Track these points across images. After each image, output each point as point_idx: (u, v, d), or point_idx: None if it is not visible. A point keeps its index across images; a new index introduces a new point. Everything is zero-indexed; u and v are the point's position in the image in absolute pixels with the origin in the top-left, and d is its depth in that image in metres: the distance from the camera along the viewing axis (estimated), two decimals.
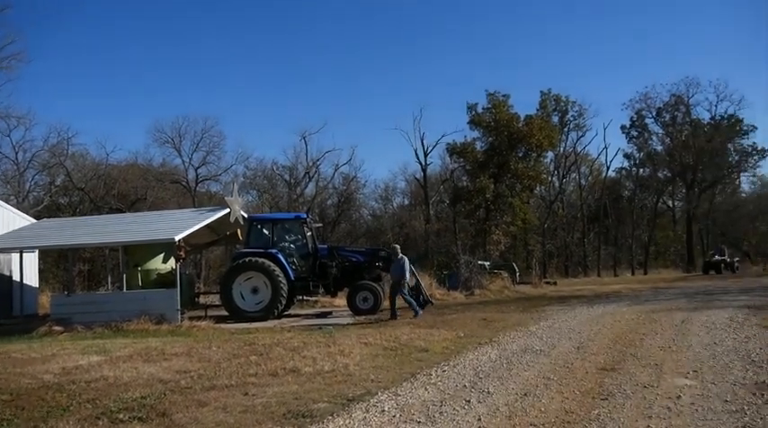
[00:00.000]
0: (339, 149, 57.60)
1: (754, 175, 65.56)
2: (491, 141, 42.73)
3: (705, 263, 44.25)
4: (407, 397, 6.72)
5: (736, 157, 62.04)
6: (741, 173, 64.56)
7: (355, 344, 10.42)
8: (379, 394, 6.88)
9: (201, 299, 20.51)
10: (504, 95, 43.09)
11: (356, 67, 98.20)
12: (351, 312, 16.99)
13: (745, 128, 59.67)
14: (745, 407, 5.78)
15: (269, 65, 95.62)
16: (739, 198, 66.25)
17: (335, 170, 52.61)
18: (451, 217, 47.67)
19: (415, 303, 15.73)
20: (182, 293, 16.43)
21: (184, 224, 17.61)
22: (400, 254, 16.28)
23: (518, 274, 32.37)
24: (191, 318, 16.07)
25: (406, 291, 15.82)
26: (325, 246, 19.18)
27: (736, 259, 46.59)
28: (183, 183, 46.19)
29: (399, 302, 16.26)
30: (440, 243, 45.92)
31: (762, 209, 61.11)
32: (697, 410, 5.78)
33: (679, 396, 6.27)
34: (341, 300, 18.86)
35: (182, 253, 17.00)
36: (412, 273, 18.41)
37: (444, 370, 8.16)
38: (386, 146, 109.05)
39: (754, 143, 60.28)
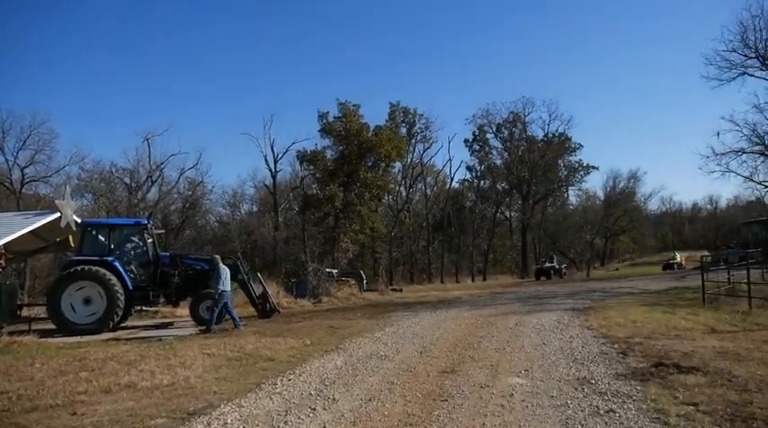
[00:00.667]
0: (185, 153, 55.72)
1: (580, 189, 72.16)
2: (341, 150, 43.08)
3: (537, 269, 47.60)
4: (252, 408, 6.55)
5: (566, 172, 67.74)
6: (569, 187, 70.62)
7: (197, 356, 10.01)
8: (222, 406, 6.65)
9: (25, 312, 18.76)
10: (354, 105, 43.65)
11: (206, 69, 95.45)
12: (194, 322, 16.30)
13: (573, 145, 65.46)
14: (569, 401, 6.26)
15: (108, 58, 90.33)
16: (567, 210, 72.32)
17: (181, 174, 50.76)
18: (301, 224, 47.51)
19: (213, 321, 14.77)
20: (0, 305, 14.92)
21: (6, 229, 16.03)
22: (220, 264, 15.59)
23: (365, 282, 32.82)
24: (11, 333, 14.55)
25: (219, 304, 15.06)
26: (168, 254, 18.28)
27: (564, 266, 50.59)
28: (7, 184, 42.21)
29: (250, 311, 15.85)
30: (288, 250, 45.68)
31: (586, 220, 67.03)
32: (527, 406, 6.16)
33: (512, 394, 6.65)
34: (183, 310, 18.09)
35: (2, 261, 15.45)
36: (258, 282, 18.07)
37: (290, 379, 8.06)
38: (235, 151, 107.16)
39: (581, 160, 66.40)
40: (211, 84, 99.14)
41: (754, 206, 64.47)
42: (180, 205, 51.94)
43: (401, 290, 33.95)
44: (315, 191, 45.62)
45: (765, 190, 36.50)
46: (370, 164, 44.02)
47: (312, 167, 44.97)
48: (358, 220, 43.28)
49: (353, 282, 29.03)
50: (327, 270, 27.93)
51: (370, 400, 6.71)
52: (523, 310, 16.45)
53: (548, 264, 46.43)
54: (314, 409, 6.42)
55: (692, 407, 5.80)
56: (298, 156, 45.47)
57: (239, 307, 19.32)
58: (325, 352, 10.38)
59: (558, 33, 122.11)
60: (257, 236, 52.75)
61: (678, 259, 53.19)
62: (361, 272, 34.44)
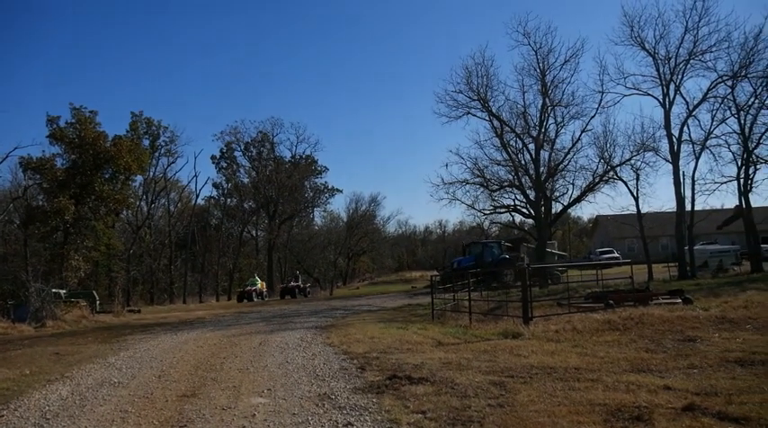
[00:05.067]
0: None
1: (325, 210, 74.92)
2: (74, 159, 39.49)
3: (282, 288, 47.96)
4: None
5: (312, 194, 69.88)
6: (315, 208, 72.90)
7: None
8: None
9: None
10: (91, 112, 40.39)
11: None
12: None
13: (319, 168, 67.96)
14: (310, 418, 6.38)
15: None
16: (313, 230, 74.48)
17: None
18: (22, 239, 42.33)
19: None
20: None
21: None
22: None
23: (98, 303, 30.29)
24: None
25: None
26: None
27: (308, 285, 51.70)
28: None
29: None
30: (6, 269, 40.41)
31: (330, 240, 69.59)
32: (269, 425, 6.15)
33: (254, 415, 6.58)
34: None
35: None
36: None
37: (2, 416, 7.08)
38: None
39: (326, 182, 69.22)
40: None
41: (476, 230, 72.59)
42: None
43: (139, 311, 31.90)
44: (41, 202, 41.12)
45: (484, 217, 41.27)
46: (107, 176, 41.05)
47: (38, 176, 40.48)
48: (92, 236, 39.98)
49: (85, 304, 26.63)
50: (54, 290, 25.22)
51: None
52: (268, 329, 16.46)
53: (293, 283, 47.05)
54: None
55: (420, 415, 6.26)
56: (21, 162, 40.59)
57: None
58: (47, 381, 9.32)
59: (306, 59, 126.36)
60: None
61: (258, 285, 44.33)
62: (94, 293, 31.73)
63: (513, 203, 36.50)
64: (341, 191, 70.71)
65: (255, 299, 41.00)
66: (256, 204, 65.22)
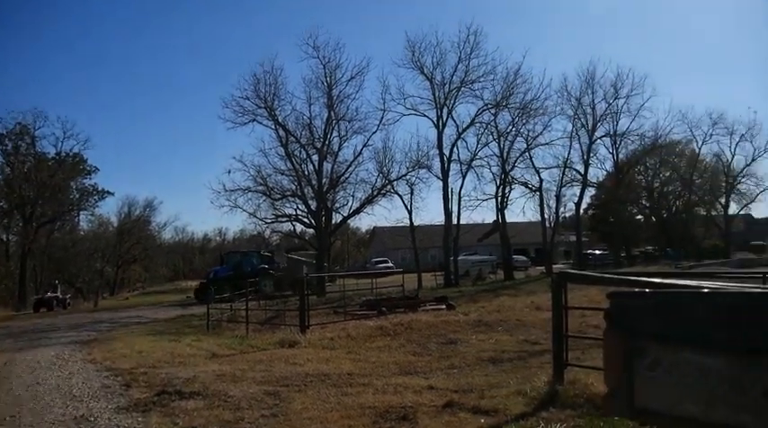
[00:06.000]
0: None
1: (92, 214, 68.93)
2: None
3: (36, 300, 43.19)
4: None
5: (78, 195, 63.99)
6: (81, 211, 66.88)
7: None
8: None
9: None
10: None
11: None
12: None
13: (88, 168, 62.50)
14: None
15: None
16: (77, 235, 68.22)
17: None
18: None
19: None
20: None
21: None
22: None
23: None
24: None
25: None
26: None
27: (68, 296, 47.22)
28: None
29: None
30: None
31: (97, 246, 64.44)
32: None
33: None
34: None
35: None
36: None
37: None
38: None
39: (96, 184, 63.76)
40: None
41: (256, 239, 71.95)
42: None
43: None
44: None
45: (266, 225, 41.07)
46: None
47: None
48: None
49: None
50: None
51: None
52: (16, 347, 14.72)
53: (50, 294, 42.64)
54: None
55: None
56: None
57: None
58: None
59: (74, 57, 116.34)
60: None
61: None
62: None
63: (294, 213, 36.86)
64: (112, 194, 65.57)
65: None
66: (9, 205, 58.10)
